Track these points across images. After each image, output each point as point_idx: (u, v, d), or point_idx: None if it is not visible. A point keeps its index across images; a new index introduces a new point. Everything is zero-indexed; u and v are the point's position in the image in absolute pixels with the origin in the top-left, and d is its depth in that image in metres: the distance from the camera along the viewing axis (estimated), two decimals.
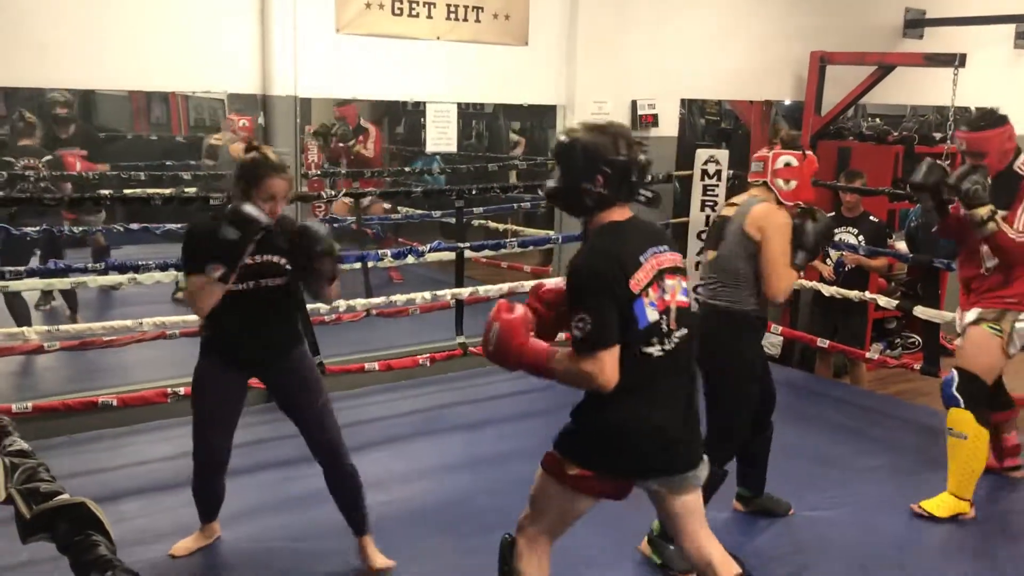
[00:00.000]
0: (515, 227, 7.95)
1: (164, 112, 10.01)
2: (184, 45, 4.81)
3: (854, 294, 5.74)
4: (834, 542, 3.78)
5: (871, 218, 6.11)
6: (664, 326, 2.47)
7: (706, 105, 10.29)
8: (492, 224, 8.13)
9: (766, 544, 3.75)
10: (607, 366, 2.38)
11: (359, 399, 5.22)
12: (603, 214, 2.49)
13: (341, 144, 8.31)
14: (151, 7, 4.71)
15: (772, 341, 6.76)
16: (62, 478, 1.89)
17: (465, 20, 5.66)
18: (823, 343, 5.88)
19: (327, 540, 3.62)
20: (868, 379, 6.28)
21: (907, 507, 4.03)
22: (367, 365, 5.20)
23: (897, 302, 5.88)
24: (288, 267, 3.24)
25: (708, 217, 6.41)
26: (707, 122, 10.55)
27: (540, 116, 7.71)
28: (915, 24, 7.86)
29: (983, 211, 3.71)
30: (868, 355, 5.94)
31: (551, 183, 2.56)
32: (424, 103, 5.92)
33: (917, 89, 7.73)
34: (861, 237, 6.04)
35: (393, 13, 5.39)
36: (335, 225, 6.96)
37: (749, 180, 3.66)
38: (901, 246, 6.71)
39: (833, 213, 6.23)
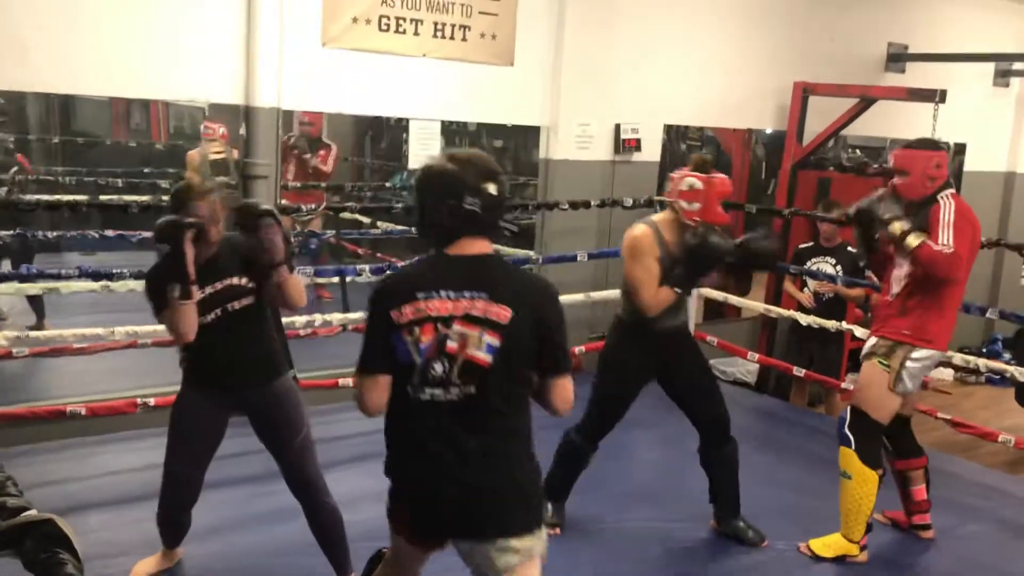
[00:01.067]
0: (495, 246, 7.85)
1: (144, 119, 9.92)
2: (168, 53, 4.78)
3: (831, 324, 5.77)
4: (806, 573, 3.75)
5: (849, 248, 6.15)
6: (436, 372, 2.26)
7: (688, 131, 10.35)
8: None
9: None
10: (365, 392, 2.34)
11: (332, 415, 5.14)
12: (452, 247, 2.34)
13: (296, 154, 8.12)
14: (136, 14, 4.68)
15: (748, 368, 6.78)
16: (26, 488, 1.85)
17: (452, 38, 5.66)
18: (799, 372, 5.89)
19: (295, 558, 3.57)
20: (843, 408, 6.28)
21: (878, 538, 4.01)
22: (341, 381, 5.15)
23: None
24: (250, 285, 3.15)
25: None
26: (688, 148, 10.60)
27: (524, 136, 7.73)
28: (897, 58, 7.97)
29: (897, 226, 3.68)
30: (843, 385, 5.96)
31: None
32: (407, 119, 5.90)
33: (898, 122, 7.80)
34: (839, 267, 6.08)
35: (380, 29, 5.38)
36: (314, 242, 6.86)
37: (665, 200, 3.85)
38: None
39: (811, 243, 6.29)
